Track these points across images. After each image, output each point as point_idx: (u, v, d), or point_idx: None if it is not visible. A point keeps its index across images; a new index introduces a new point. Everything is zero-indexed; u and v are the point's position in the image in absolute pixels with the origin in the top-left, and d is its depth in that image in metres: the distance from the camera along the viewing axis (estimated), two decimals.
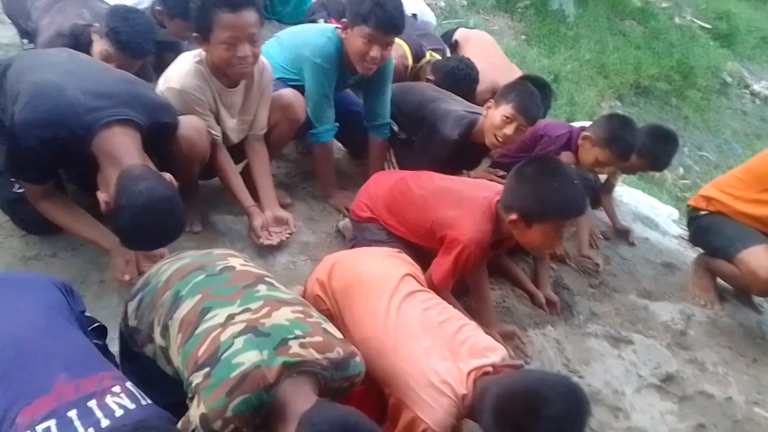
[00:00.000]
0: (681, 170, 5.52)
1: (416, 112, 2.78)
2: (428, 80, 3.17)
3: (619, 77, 5.98)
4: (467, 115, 2.65)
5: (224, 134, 2.31)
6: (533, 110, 2.52)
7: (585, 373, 2.31)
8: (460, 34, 3.82)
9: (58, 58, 1.96)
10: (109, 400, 1.15)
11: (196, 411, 1.19)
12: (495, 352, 1.60)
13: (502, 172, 2.90)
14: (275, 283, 1.49)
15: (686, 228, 3.32)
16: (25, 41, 2.92)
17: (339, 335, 1.41)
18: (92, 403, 1.13)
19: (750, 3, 8.38)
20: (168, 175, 1.80)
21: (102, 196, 1.74)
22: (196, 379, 1.23)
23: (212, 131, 2.22)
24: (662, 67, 6.28)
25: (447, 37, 3.84)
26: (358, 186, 2.58)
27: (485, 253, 2.13)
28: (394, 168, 2.93)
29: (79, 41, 2.49)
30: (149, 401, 1.21)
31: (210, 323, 1.31)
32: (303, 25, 2.95)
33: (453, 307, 1.81)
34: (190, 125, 2.08)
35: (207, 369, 1.23)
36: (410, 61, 3.24)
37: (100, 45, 2.45)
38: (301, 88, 2.51)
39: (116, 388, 1.18)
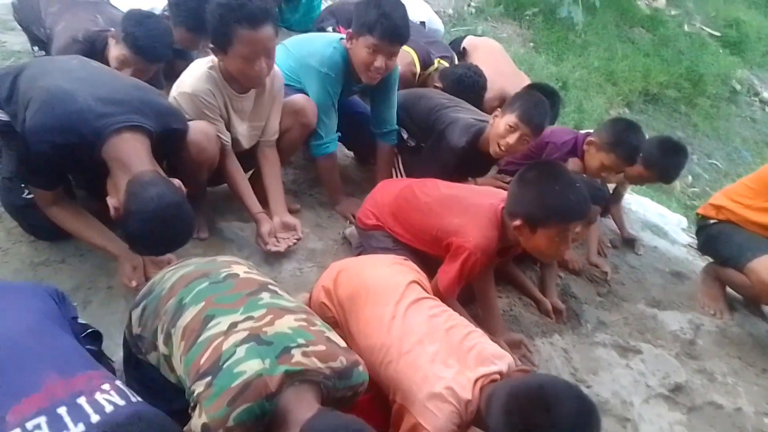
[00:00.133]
0: (690, 178, 5.49)
1: (426, 119, 2.79)
2: (436, 87, 3.16)
3: (627, 84, 5.97)
4: (475, 123, 2.65)
5: (235, 140, 2.32)
6: (537, 120, 2.50)
7: (593, 383, 2.29)
8: (468, 42, 3.83)
9: (69, 64, 1.98)
10: (98, 396, 1.16)
11: (198, 420, 1.19)
12: (502, 360, 1.59)
13: (509, 179, 2.89)
14: (279, 291, 1.49)
15: (695, 236, 3.30)
16: (36, 48, 2.95)
17: (342, 344, 1.41)
18: (82, 400, 1.14)
19: (760, 11, 8.33)
20: (177, 181, 1.81)
21: (112, 202, 1.76)
22: (198, 388, 1.23)
23: (222, 136, 2.23)
24: (671, 75, 6.26)
25: (455, 44, 3.84)
26: (365, 193, 2.58)
27: (491, 260, 2.13)
28: (401, 175, 2.93)
29: (94, 47, 2.50)
30: (139, 399, 1.22)
31: (212, 331, 1.31)
32: (309, 34, 2.97)
33: (459, 314, 1.81)
34: (199, 130, 2.09)
35: (209, 378, 1.23)
36: (418, 69, 3.24)
37: (116, 49, 2.46)
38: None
39: (106, 386, 1.19)
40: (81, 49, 2.43)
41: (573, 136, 2.94)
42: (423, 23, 3.79)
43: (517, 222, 1.97)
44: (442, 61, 3.34)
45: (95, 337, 1.51)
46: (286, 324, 1.34)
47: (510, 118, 2.50)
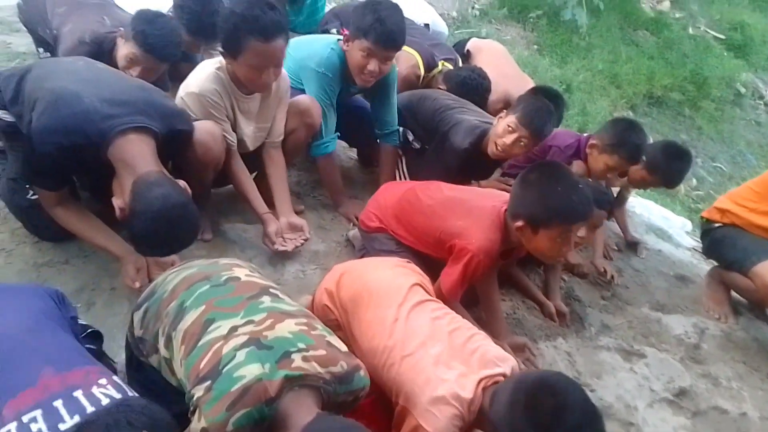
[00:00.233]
0: (694, 181, 5.47)
1: (430, 120, 2.79)
2: (440, 89, 3.17)
3: (632, 87, 5.95)
4: (480, 125, 2.65)
5: (240, 141, 2.33)
6: (536, 124, 2.49)
7: (597, 387, 2.29)
8: (472, 44, 3.83)
9: (74, 66, 1.98)
10: (95, 390, 1.17)
11: (197, 425, 1.19)
12: (505, 363, 1.59)
13: (512, 182, 2.88)
14: (280, 295, 1.49)
15: (700, 240, 3.29)
16: (41, 50, 2.95)
17: (344, 348, 1.40)
18: (78, 393, 1.15)
19: (765, 14, 8.30)
20: (182, 182, 1.81)
21: (117, 203, 1.76)
22: (198, 392, 1.23)
23: (227, 136, 2.23)
24: (675, 78, 6.24)
25: (459, 46, 3.85)
26: (368, 195, 2.58)
27: (494, 263, 2.13)
28: (404, 178, 2.93)
29: (101, 48, 2.50)
30: (136, 393, 1.23)
31: (213, 335, 1.30)
32: (309, 36, 2.99)
33: (462, 317, 1.80)
34: (205, 130, 2.10)
35: (208, 382, 1.22)
36: (422, 71, 3.24)
37: (126, 48, 2.45)
38: None
39: (102, 381, 1.20)
40: (88, 50, 2.43)
41: (576, 139, 2.94)
42: (427, 25, 3.79)
43: (520, 223, 1.97)
44: (446, 64, 3.35)
45: (95, 337, 1.52)
46: (286, 328, 1.34)
47: (510, 119, 2.51)
